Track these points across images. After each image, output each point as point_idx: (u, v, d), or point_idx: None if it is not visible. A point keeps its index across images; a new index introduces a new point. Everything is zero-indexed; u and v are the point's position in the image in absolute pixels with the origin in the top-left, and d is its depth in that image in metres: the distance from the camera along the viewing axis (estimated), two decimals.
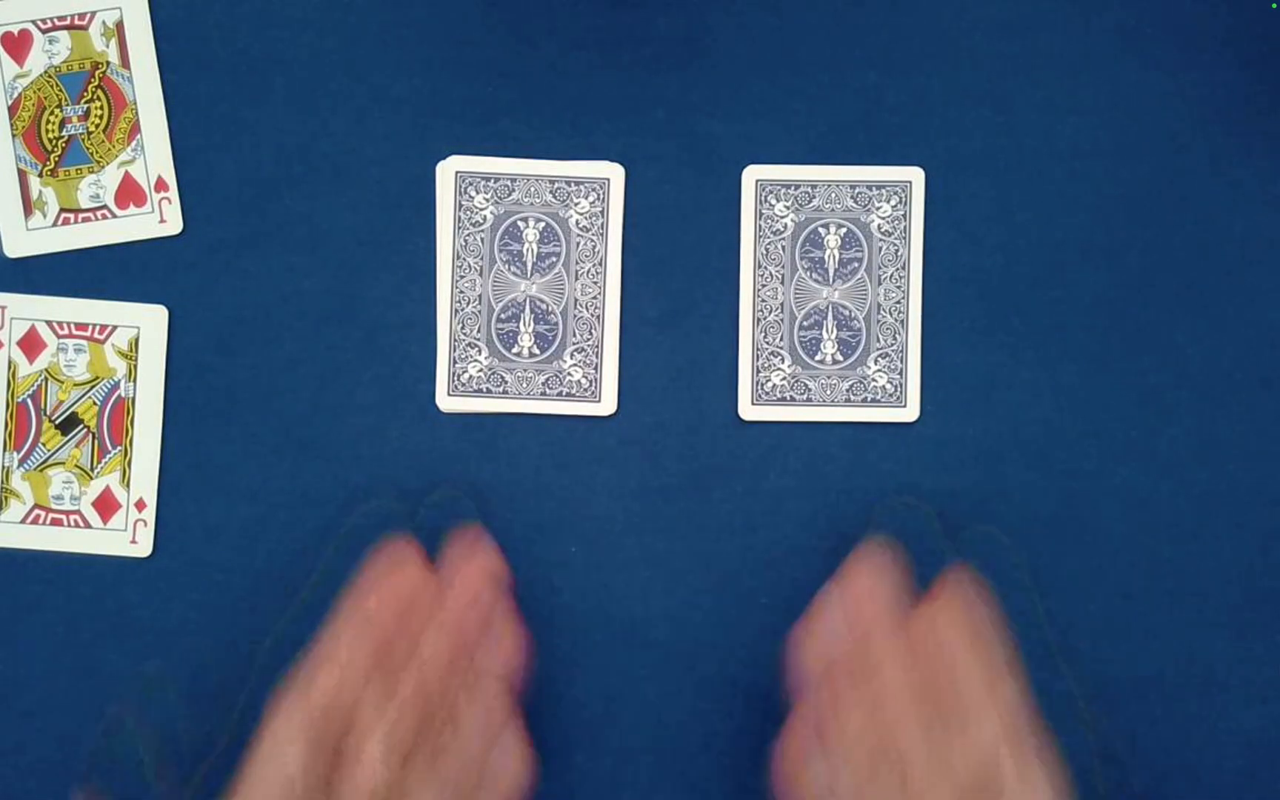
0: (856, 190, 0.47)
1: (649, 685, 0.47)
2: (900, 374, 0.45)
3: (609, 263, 0.47)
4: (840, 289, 0.47)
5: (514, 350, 0.47)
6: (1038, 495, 0.47)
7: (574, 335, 0.47)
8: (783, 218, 0.46)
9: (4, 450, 0.47)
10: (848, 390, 0.47)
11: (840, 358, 0.47)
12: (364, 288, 0.48)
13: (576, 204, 0.47)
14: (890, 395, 0.46)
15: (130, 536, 0.47)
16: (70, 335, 0.47)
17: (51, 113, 0.48)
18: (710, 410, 0.48)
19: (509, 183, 0.46)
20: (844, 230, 0.47)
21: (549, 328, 0.47)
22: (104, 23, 0.48)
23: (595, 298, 0.47)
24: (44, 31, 0.48)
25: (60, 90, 0.48)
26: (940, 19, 0.48)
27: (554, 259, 0.47)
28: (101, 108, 0.48)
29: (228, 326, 0.48)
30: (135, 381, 0.47)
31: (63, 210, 0.48)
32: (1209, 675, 0.47)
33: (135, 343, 0.47)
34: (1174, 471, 0.48)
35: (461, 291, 0.47)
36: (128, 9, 0.48)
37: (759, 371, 0.47)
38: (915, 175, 0.46)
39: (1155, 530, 0.47)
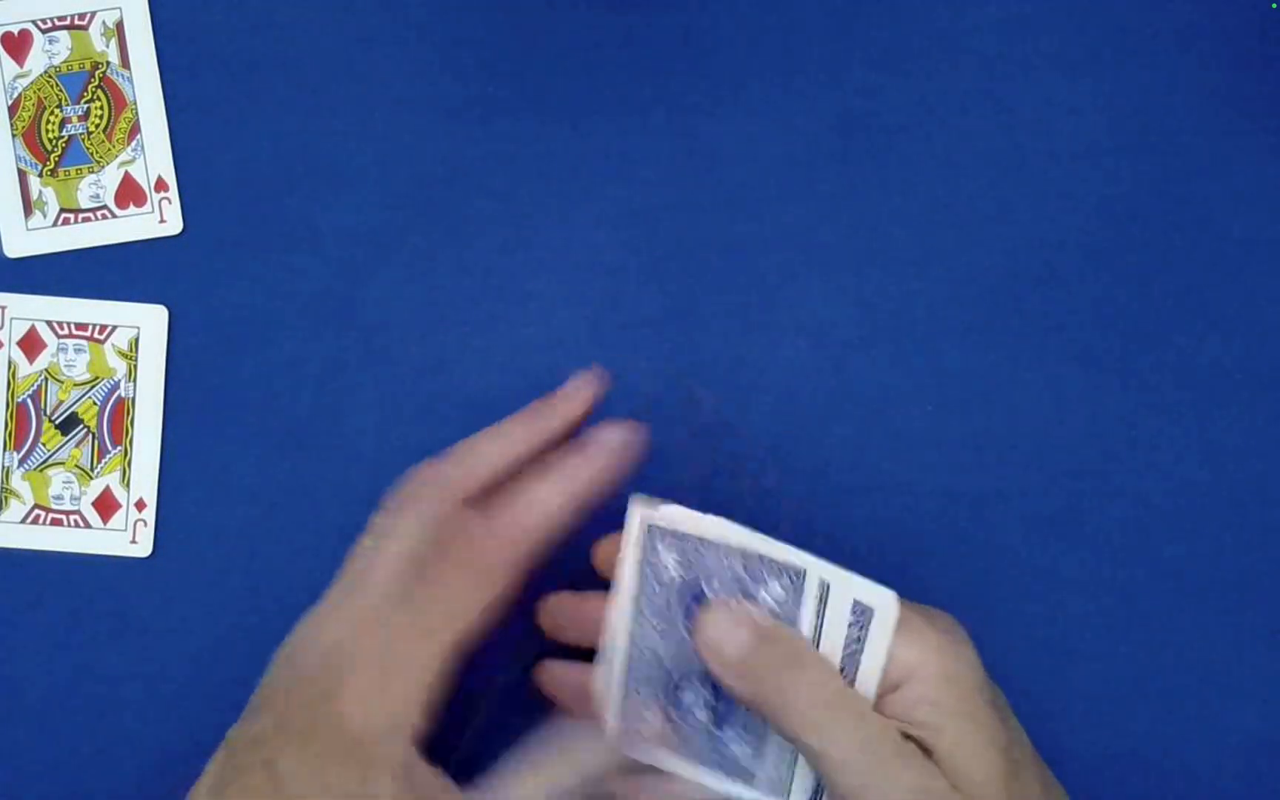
0: None
1: None
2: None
3: None
4: None
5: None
6: (1038, 495, 0.47)
7: None
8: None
9: (4, 450, 0.47)
10: None
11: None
12: (364, 288, 0.48)
13: None
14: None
15: (130, 536, 0.47)
16: (70, 335, 0.47)
17: (51, 113, 0.48)
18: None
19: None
20: None
21: None
22: (104, 23, 0.48)
23: None
24: (44, 31, 0.48)
25: (60, 90, 0.48)
26: (940, 19, 0.48)
27: None
28: (101, 108, 0.48)
29: (228, 326, 0.48)
30: (135, 381, 0.47)
31: (63, 210, 0.48)
32: (1209, 675, 0.47)
33: (135, 343, 0.47)
34: (1174, 471, 0.48)
35: None
36: (128, 9, 0.48)
37: None
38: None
39: (1155, 530, 0.47)
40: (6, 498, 0.47)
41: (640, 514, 0.40)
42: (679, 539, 0.40)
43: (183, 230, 0.48)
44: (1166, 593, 0.47)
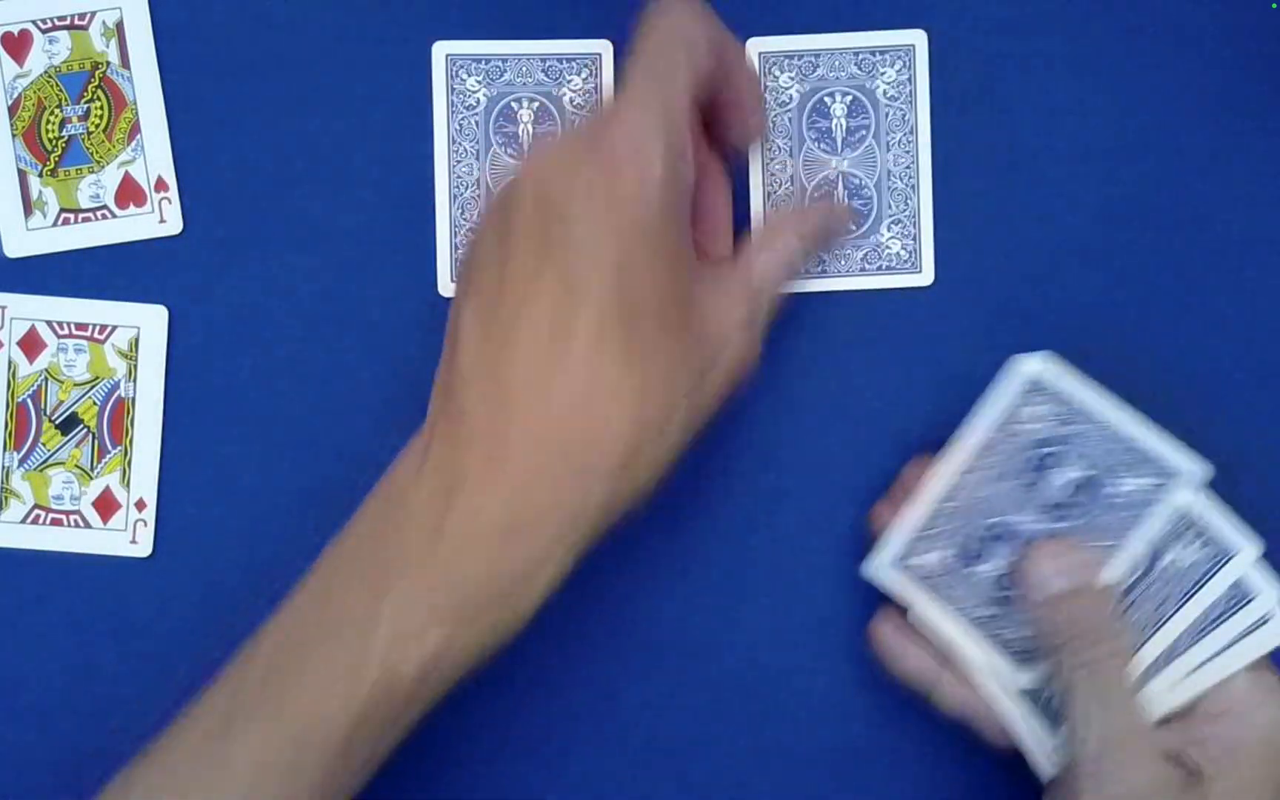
0: (860, 57, 0.47)
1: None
2: (914, 241, 0.45)
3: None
4: (849, 158, 0.47)
5: None
6: None
7: None
8: (788, 89, 0.46)
9: (4, 450, 0.47)
10: (861, 260, 0.47)
11: (852, 227, 0.47)
12: (364, 288, 0.48)
13: (569, 82, 0.47)
14: (905, 262, 0.45)
15: (130, 536, 0.47)
16: (70, 335, 0.47)
17: (51, 113, 0.48)
18: None
19: (500, 64, 0.46)
20: (850, 98, 0.47)
21: None
22: (104, 23, 0.48)
23: None
24: (44, 31, 0.48)
25: (60, 90, 0.48)
26: (940, 19, 0.48)
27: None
28: (101, 108, 0.48)
29: (228, 326, 0.48)
30: (135, 381, 0.47)
31: (63, 210, 0.48)
32: None
33: (135, 343, 0.47)
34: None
35: (459, 177, 0.47)
36: (128, 9, 0.48)
37: None
38: (918, 38, 0.46)
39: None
40: (6, 498, 0.47)
41: (1031, 368, 0.41)
42: (1059, 400, 0.41)
43: (183, 230, 0.48)
44: None
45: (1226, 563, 0.39)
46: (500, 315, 0.38)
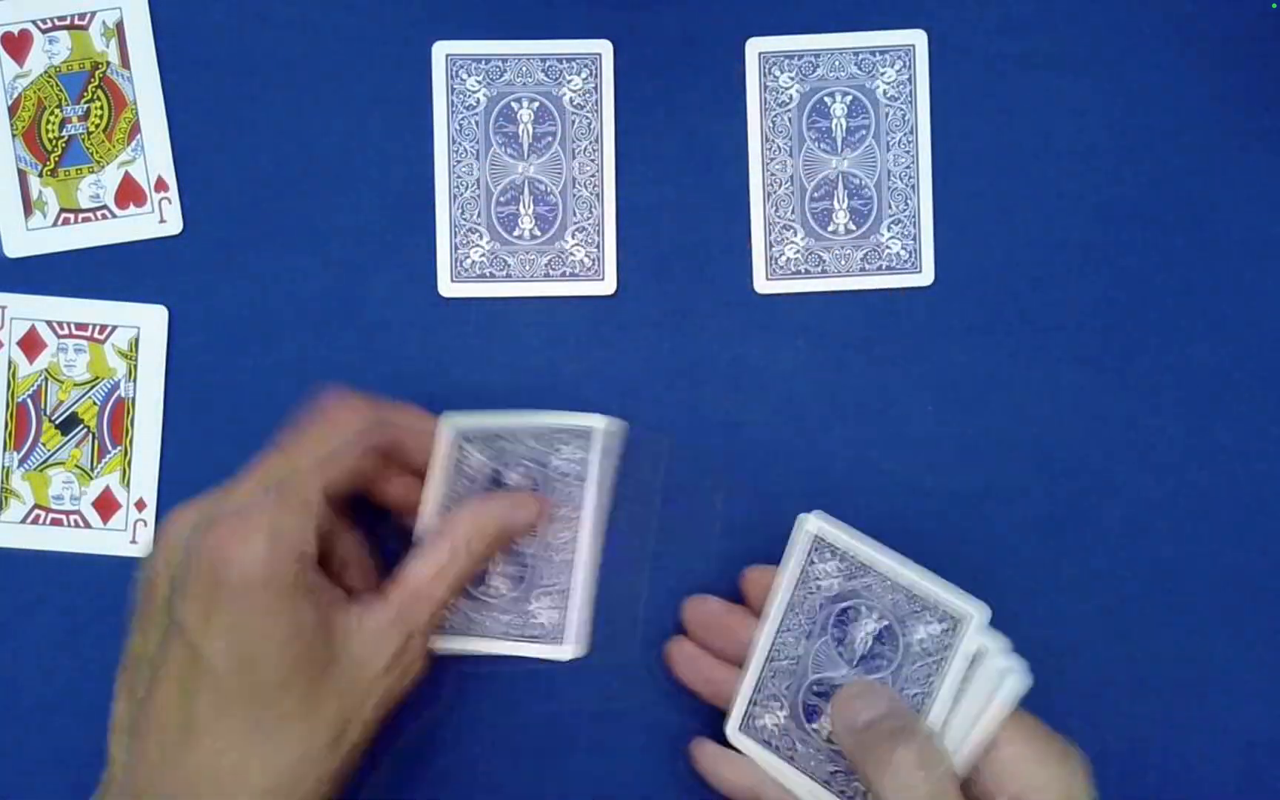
0: (860, 57, 0.47)
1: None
2: (914, 241, 0.45)
3: (605, 140, 0.48)
4: (849, 158, 0.47)
5: (515, 233, 0.47)
6: (1038, 495, 0.47)
7: (574, 215, 0.47)
8: (788, 89, 0.46)
9: (4, 450, 0.47)
10: (862, 260, 0.47)
11: (853, 227, 0.47)
12: (364, 288, 0.48)
13: (569, 81, 0.47)
14: (905, 262, 0.46)
15: (130, 536, 0.47)
16: (70, 335, 0.47)
17: (51, 113, 0.48)
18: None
19: (500, 64, 0.46)
20: (850, 98, 0.47)
21: (549, 209, 0.47)
22: (104, 23, 0.48)
23: (594, 176, 0.47)
24: (44, 31, 0.48)
25: (60, 90, 0.48)
26: (940, 20, 0.48)
27: (550, 139, 0.48)
28: (101, 108, 0.48)
29: (228, 326, 0.48)
30: (135, 381, 0.47)
31: (63, 210, 0.48)
32: (1209, 675, 0.47)
33: (135, 343, 0.47)
34: (1174, 471, 0.48)
35: (459, 177, 0.47)
36: (128, 9, 0.48)
37: (772, 246, 0.47)
38: (918, 38, 0.46)
39: (1155, 530, 0.47)
40: (6, 498, 0.47)
41: (812, 526, 0.43)
42: (841, 556, 0.42)
43: (183, 230, 0.48)
44: (1166, 593, 0.47)
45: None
46: (141, 680, 0.39)
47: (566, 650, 0.44)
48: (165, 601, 0.39)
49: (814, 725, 0.42)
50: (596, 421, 0.42)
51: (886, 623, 0.42)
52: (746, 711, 0.43)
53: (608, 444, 0.43)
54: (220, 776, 0.37)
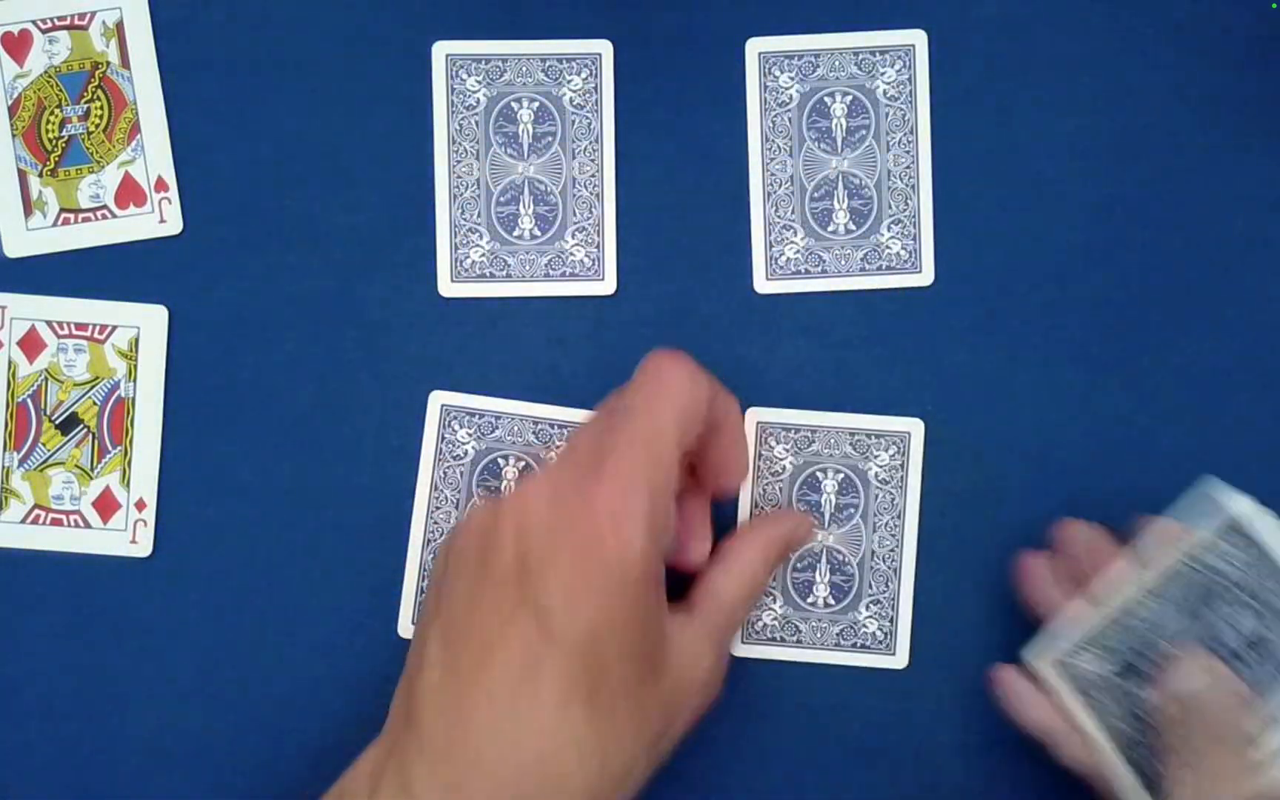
0: (860, 57, 0.47)
1: None
2: (914, 241, 0.45)
3: (605, 140, 0.48)
4: (849, 157, 0.47)
5: (515, 233, 0.47)
6: (1038, 495, 0.47)
7: (574, 215, 0.47)
8: (788, 89, 0.46)
9: (4, 450, 0.47)
10: (862, 260, 0.47)
11: (853, 227, 0.47)
12: (364, 288, 0.48)
13: (569, 81, 0.47)
14: (905, 262, 0.45)
15: (130, 536, 0.47)
16: (70, 335, 0.47)
17: (51, 113, 0.48)
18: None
19: (500, 64, 0.46)
20: (849, 98, 0.47)
21: (549, 209, 0.47)
22: (104, 23, 0.48)
23: (594, 176, 0.47)
24: (44, 31, 0.48)
25: (60, 90, 0.48)
26: (940, 19, 0.48)
27: (550, 139, 0.48)
28: (101, 108, 0.48)
29: (228, 326, 0.48)
30: (135, 381, 0.47)
31: (63, 210, 0.48)
32: None
33: (135, 343, 0.47)
34: (1174, 471, 0.48)
35: (459, 177, 0.47)
36: (128, 9, 0.48)
37: (772, 246, 0.47)
38: (918, 38, 0.47)
39: None
40: (6, 498, 0.47)
41: (1243, 507, 0.41)
42: (1256, 550, 0.41)
43: (183, 230, 0.48)
44: None
45: None
46: (469, 648, 0.38)
47: (900, 659, 0.45)
48: (513, 574, 0.38)
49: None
50: (916, 426, 0.45)
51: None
52: (1073, 649, 0.42)
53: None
54: (545, 765, 0.37)
